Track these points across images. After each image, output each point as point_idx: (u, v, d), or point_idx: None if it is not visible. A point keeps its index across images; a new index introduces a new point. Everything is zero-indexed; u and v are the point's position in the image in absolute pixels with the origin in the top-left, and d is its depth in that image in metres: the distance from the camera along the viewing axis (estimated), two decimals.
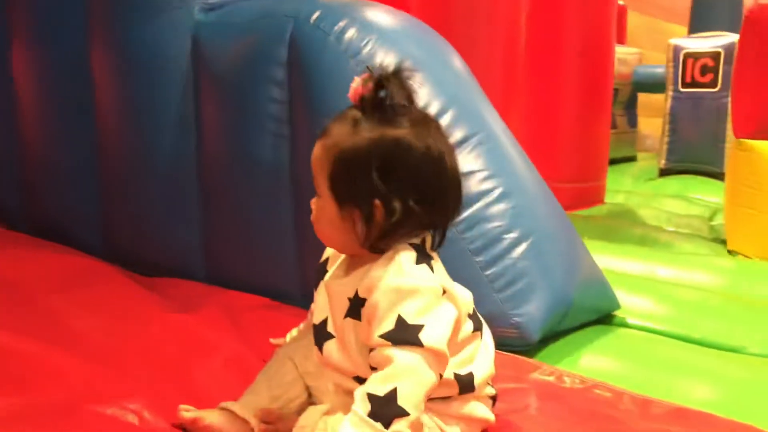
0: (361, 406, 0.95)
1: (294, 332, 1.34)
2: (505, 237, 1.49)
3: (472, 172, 1.53)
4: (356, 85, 1.02)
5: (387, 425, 0.92)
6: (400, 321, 0.95)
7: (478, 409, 1.06)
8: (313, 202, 1.06)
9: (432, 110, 1.53)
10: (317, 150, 1.03)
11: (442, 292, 0.99)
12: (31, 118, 2.30)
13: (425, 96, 1.56)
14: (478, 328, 1.08)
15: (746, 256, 2.56)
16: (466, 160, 1.53)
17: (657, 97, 6.41)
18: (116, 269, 1.81)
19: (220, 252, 1.90)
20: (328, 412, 1.08)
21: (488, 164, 1.55)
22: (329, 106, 1.60)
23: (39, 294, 1.53)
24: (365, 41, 1.61)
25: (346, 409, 1.07)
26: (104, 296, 1.59)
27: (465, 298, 1.06)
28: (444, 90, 1.61)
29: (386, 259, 1.00)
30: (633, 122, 5.86)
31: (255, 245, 1.80)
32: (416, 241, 1.03)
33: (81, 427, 0.98)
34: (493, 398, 1.10)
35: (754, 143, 2.50)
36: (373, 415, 0.93)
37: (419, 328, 0.95)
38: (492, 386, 1.10)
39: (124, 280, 1.71)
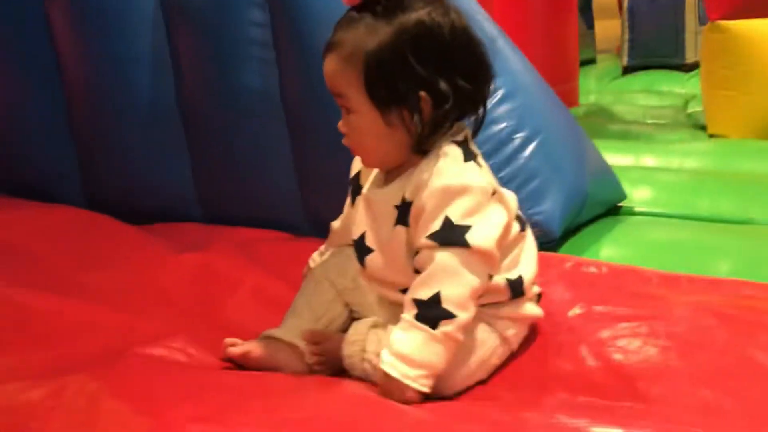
0: (408, 310, 0.94)
1: (316, 256, 1.32)
2: (514, 137, 1.47)
3: None
4: None
5: (434, 327, 0.92)
6: (447, 221, 0.94)
7: (529, 307, 1.06)
8: (342, 123, 1.01)
9: None
10: (333, 65, 0.98)
11: (492, 192, 0.97)
12: None
13: None
14: (523, 228, 1.07)
15: (727, 137, 2.60)
16: None
17: None
18: (109, 219, 1.75)
19: (215, 190, 1.85)
20: (375, 325, 1.07)
21: None
22: (315, 23, 1.54)
23: (40, 252, 1.48)
24: None
25: (393, 320, 1.06)
26: (106, 247, 1.54)
27: (512, 198, 1.04)
28: None
29: (432, 158, 0.97)
30: (590, 23, 5.81)
31: (252, 178, 1.75)
32: (459, 138, 1.00)
33: (135, 369, 0.95)
34: (539, 296, 1.10)
35: (729, 24, 2.50)
36: (420, 317, 0.93)
37: (466, 228, 0.93)
38: (537, 285, 1.10)
39: (122, 228, 1.66)
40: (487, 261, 0.95)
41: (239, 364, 1.07)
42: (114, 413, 0.84)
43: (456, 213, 0.94)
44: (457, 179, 0.95)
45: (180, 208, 1.92)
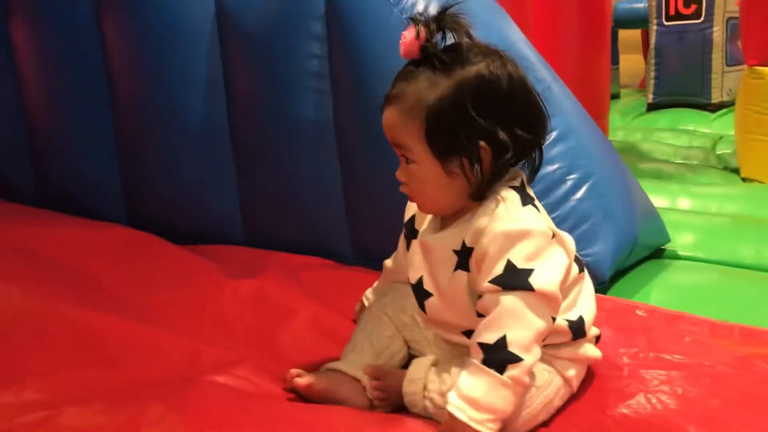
0: (475, 355, 0.96)
1: (369, 293, 1.34)
2: (567, 179, 1.49)
3: None
4: (409, 39, 0.98)
5: (501, 372, 0.93)
6: (509, 265, 0.95)
7: (589, 349, 1.08)
8: (401, 172, 1.03)
9: None
10: (393, 117, 1.00)
11: (551, 235, 0.99)
12: (36, 90, 2.22)
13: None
14: (581, 269, 1.09)
15: (761, 182, 2.61)
16: None
17: (634, 33, 6.44)
18: (159, 239, 1.77)
19: (261, 215, 1.88)
20: (435, 363, 1.08)
21: None
22: (373, 58, 1.57)
23: (97, 272, 1.49)
24: None
25: (450, 358, 1.08)
26: (161, 268, 1.56)
27: (570, 241, 1.06)
28: (490, 32, 1.58)
29: (490, 203, 0.99)
30: (615, 59, 5.86)
31: (300, 205, 1.78)
32: (515, 183, 1.02)
33: (208, 398, 0.97)
34: (597, 337, 1.12)
35: (766, 70, 2.52)
36: (487, 362, 0.94)
37: (529, 272, 0.95)
38: (594, 327, 1.12)
39: (174, 250, 1.68)
40: (551, 303, 0.97)
41: (302, 394, 1.09)
42: None
43: (518, 257, 0.95)
44: (517, 224, 0.97)
45: (223, 230, 1.94)
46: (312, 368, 1.13)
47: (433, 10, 1.55)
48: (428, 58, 0.99)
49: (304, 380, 1.07)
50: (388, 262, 1.30)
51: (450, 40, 1.01)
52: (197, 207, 1.96)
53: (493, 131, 0.96)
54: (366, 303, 1.32)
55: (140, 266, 1.53)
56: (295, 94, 1.69)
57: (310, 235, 1.79)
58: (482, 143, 0.97)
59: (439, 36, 0.99)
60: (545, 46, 3.14)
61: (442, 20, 0.98)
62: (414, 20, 0.98)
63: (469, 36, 0.99)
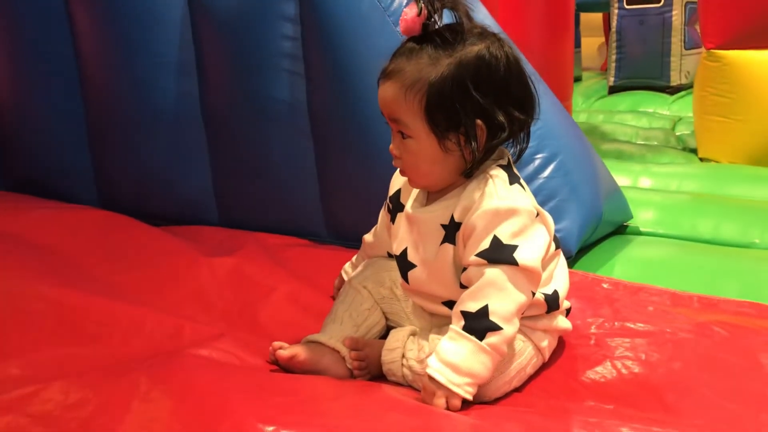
0: (456, 322, 1.00)
1: (348, 267, 1.37)
2: (535, 158, 1.54)
3: None
4: (411, 15, 1.02)
5: (481, 339, 0.98)
6: (496, 241, 1.00)
7: (561, 321, 1.13)
8: (396, 146, 1.06)
9: None
10: (393, 92, 1.02)
11: (536, 213, 1.04)
12: (5, 74, 2.19)
13: None
14: (557, 246, 1.14)
15: (718, 162, 2.70)
16: None
17: (595, 15, 6.54)
18: (132, 219, 1.78)
19: (234, 195, 1.89)
20: (413, 333, 1.13)
21: None
22: (347, 40, 1.60)
23: (72, 252, 1.50)
24: None
25: (429, 328, 1.12)
26: (135, 248, 1.58)
27: (550, 219, 1.11)
28: None
29: (480, 181, 1.03)
30: (577, 42, 5.94)
31: (274, 186, 1.80)
32: (503, 162, 1.06)
33: (194, 371, 0.99)
34: (568, 310, 1.17)
35: (724, 53, 2.61)
36: (468, 329, 0.98)
37: (514, 248, 1.00)
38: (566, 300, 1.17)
39: (147, 229, 1.69)
40: (532, 278, 1.01)
41: (284, 366, 1.12)
42: (182, 413, 0.88)
43: (505, 233, 1.00)
44: (505, 202, 1.01)
45: (196, 211, 1.96)
46: (293, 341, 1.16)
47: None
48: (429, 35, 1.01)
49: (286, 352, 1.10)
50: (367, 237, 1.33)
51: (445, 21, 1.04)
52: (169, 189, 1.97)
53: (490, 110, 1.00)
54: (345, 277, 1.35)
55: (116, 246, 1.55)
56: (268, 75, 1.70)
57: (284, 216, 1.81)
58: (479, 122, 1.00)
59: (437, 16, 1.02)
60: (512, 29, 3.19)
61: (443, 0, 1.01)
62: None
63: (468, 17, 1.02)
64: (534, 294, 1.03)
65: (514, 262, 0.99)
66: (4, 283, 1.24)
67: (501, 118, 1.00)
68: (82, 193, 2.11)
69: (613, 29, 4.99)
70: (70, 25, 2.00)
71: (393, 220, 1.17)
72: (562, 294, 1.11)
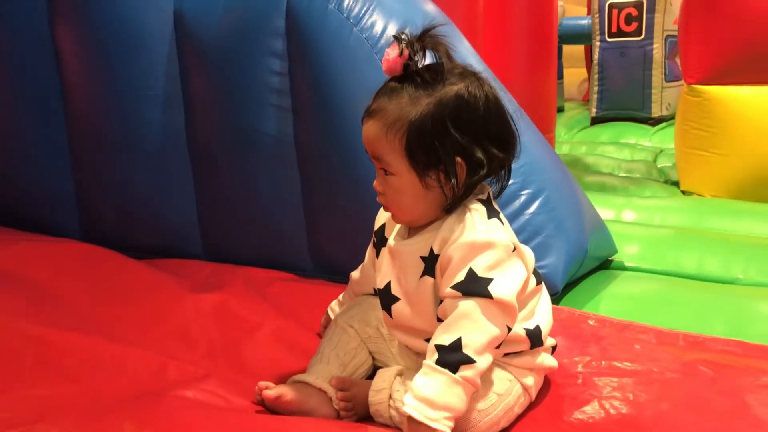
0: (430, 356, 1.00)
1: (334, 305, 1.37)
2: (521, 194, 1.55)
3: None
4: (392, 56, 1.04)
5: (454, 372, 0.97)
6: (471, 273, 1.00)
7: (546, 358, 1.13)
8: (379, 183, 1.07)
9: None
10: (374, 131, 1.04)
11: (513, 248, 1.04)
12: None
13: None
14: (539, 281, 1.14)
15: (700, 195, 2.73)
16: None
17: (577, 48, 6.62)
18: (115, 253, 1.77)
19: (220, 229, 1.88)
20: (400, 373, 1.12)
21: None
22: (334, 75, 1.61)
23: (53, 287, 1.48)
24: (365, 9, 1.61)
25: (415, 368, 1.11)
26: (119, 282, 1.56)
27: (530, 254, 1.11)
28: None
29: (458, 215, 1.05)
30: (560, 73, 6.02)
31: (260, 219, 1.79)
32: (482, 196, 1.07)
33: (179, 414, 0.98)
34: (553, 347, 1.17)
35: (704, 89, 2.65)
36: (441, 362, 0.98)
37: (488, 281, 1.00)
38: (551, 337, 1.17)
39: (131, 264, 1.67)
40: (507, 312, 1.01)
41: (270, 407, 1.10)
42: None
43: (480, 266, 1.00)
44: (481, 235, 1.02)
45: (180, 244, 1.94)
46: (278, 381, 1.15)
47: (392, 29, 1.59)
48: (410, 75, 1.03)
49: (272, 392, 1.09)
50: (354, 274, 1.33)
51: (428, 60, 1.05)
52: (153, 220, 1.95)
53: (469, 148, 1.02)
54: (331, 315, 1.34)
55: (98, 281, 1.53)
56: (255, 109, 1.71)
57: (269, 248, 1.80)
58: (459, 159, 1.02)
59: (420, 56, 1.03)
60: (495, 61, 3.22)
61: (424, 40, 1.03)
62: (398, 39, 1.03)
63: (449, 57, 1.04)
64: (510, 329, 1.03)
65: (489, 295, 0.99)
66: None
67: (480, 155, 1.02)
68: (64, 223, 2.08)
69: (595, 61, 5.07)
70: (55, 54, 1.99)
71: (377, 254, 1.17)
72: (544, 329, 1.11)
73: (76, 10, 1.91)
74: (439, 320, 1.03)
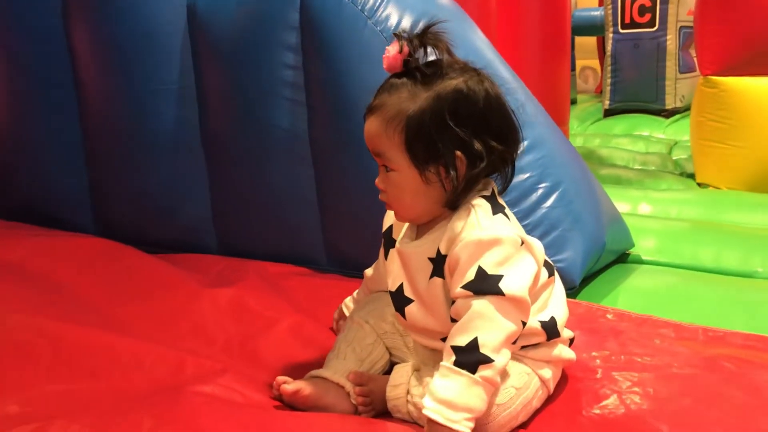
0: (447, 357, 0.99)
1: (348, 302, 1.36)
2: (537, 187, 1.54)
3: None
4: (392, 53, 1.04)
5: (473, 372, 0.96)
6: (480, 271, 0.99)
7: (564, 351, 1.12)
8: (381, 180, 1.07)
9: None
10: (374, 127, 1.04)
11: (520, 242, 1.03)
12: (3, 98, 2.18)
13: None
14: (551, 273, 1.13)
15: (716, 187, 2.71)
16: None
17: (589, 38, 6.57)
18: (132, 249, 1.77)
19: (234, 223, 1.88)
20: (417, 368, 1.11)
21: None
22: (347, 69, 1.60)
23: (71, 283, 1.48)
24: (379, 2, 1.60)
25: (430, 363, 1.11)
26: (136, 278, 1.56)
27: (539, 247, 1.10)
28: (468, 50, 1.61)
29: (462, 212, 1.04)
30: (572, 65, 5.97)
31: (274, 214, 1.79)
32: (486, 192, 1.06)
33: (196, 408, 0.97)
34: (571, 340, 1.16)
35: (720, 80, 2.62)
36: (459, 363, 0.97)
37: (499, 277, 0.99)
38: (568, 329, 1.16)
39: (148, 259, 1.67)
40: (520, 307, 1.00)
41: (287, 402, 1.10)
42: None
43: (489, 263, 0.99)
44: (487, 232, 1.01)
45: (195, 238, 1.94)
46: (295, 376, 1.14)
47: (407, 22, 1.59)
48: (410, 71, 1.03)
49: (290, 387, 1.09)
50: (368, 272, 1.32)
51: (432, 56, 1.05)
52: (168, 215, 1.96)
53: (468, 141, 1.01)
54: (345, 311, 1.34)
55: (115, 277, 1.53)
56: (269, 103, 1.70)
57: (284, 243, 1.80)
58: (458, 153, 1.01)
59: (420, 52, 1.03)
60: (509, 54, 3.20)
61: (425, 37, 1.03)
62: (398, 36, 1.03)
63: (450, 53, 1.05)
64: (525, 323, 1.02)
65: (500, 292, 0.98)
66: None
67: (479, 147, 1.01)
68: (78, 219, 2.09)
69: (608, 53, 5.03)
70: (69, 51, 2.00)
71: (386, 256, 1.16)
72: (560, 321, 1.10)
73: (90, 5, 1.91)
74: (453, 320, 1.02)
